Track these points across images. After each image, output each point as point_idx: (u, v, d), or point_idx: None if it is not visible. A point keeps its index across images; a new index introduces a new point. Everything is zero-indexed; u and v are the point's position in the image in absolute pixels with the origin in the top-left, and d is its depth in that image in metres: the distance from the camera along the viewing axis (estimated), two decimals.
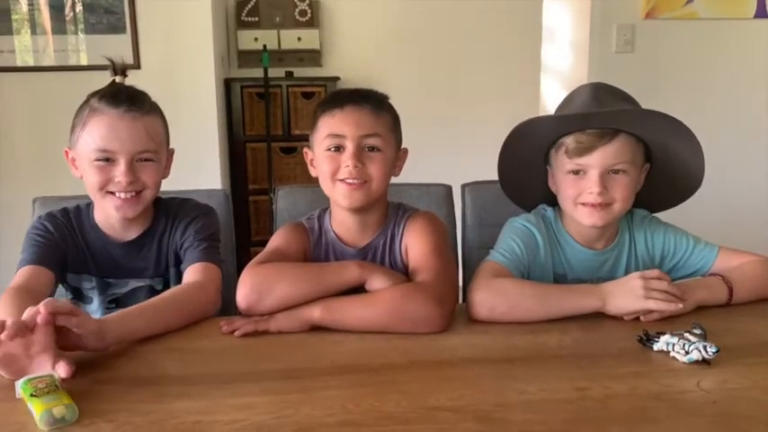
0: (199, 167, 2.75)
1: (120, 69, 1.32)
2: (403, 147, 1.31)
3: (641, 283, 1.14)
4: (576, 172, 1.26)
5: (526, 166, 1.35)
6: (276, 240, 1.29)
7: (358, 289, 1.16)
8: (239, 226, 1.77)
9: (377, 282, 1.14)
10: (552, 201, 1.36)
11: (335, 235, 1.29)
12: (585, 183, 1.24)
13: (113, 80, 1.32)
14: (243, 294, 1.14)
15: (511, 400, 0.88)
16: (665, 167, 1.30)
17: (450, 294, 1.16)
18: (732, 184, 2.83)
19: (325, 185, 1.25)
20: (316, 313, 1.11)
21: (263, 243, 1.31)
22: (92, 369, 0.97)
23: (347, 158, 1.21)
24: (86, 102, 1.27)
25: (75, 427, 0.81)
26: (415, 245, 1.25)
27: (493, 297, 1.16)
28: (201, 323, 1.16)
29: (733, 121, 2.89)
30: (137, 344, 1.07)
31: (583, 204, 1.26)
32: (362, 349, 1.05)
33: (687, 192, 1.35)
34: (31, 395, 0.84)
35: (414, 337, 1.08)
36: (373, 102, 1.24)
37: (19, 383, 0.87)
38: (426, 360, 1.01)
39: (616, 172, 1.24)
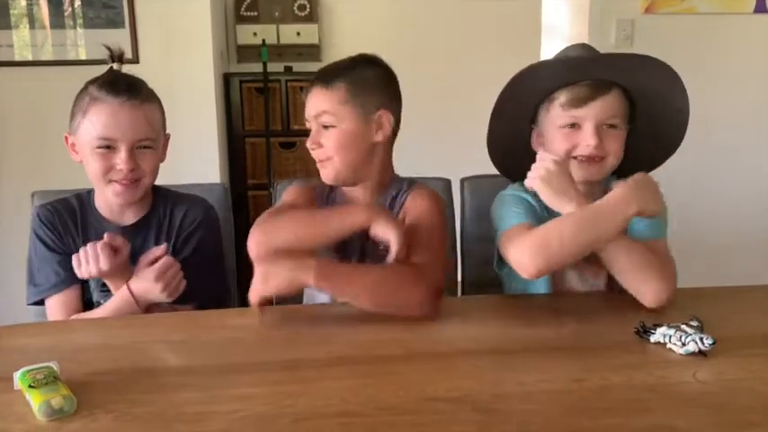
0: (198, 162, 2.74)
1: (118, 57, 1.36)
2: (380, 111, 1.27)
3: (653, 180, 1.16)
4: (571, 126, 1.25)
5: (514, 123, 1.34)
6: (286, 196, 1.34)
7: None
8: (238, 220, 1.77)
9: (380, 229, 1.14)
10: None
11: (343, 197, 1.35)
12: (580, 136, 1.25)
13: (111, 67, 1.35)
14: (253, 240, 1.15)
15: (509, 390, 0.88)
16: (649, 123, 1.30)
17: (440, 281, 1.17)
18: (731, 178, 2.84)
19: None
20: (310, 278, 1.11)
21: None
22: (90, 360, 0.97)
23: (309, 141, 1.27)
24: (85, 89, 1.30)
25: (74, 418, 0.81)
26: (414, 215, 1.25)
27: (533, 252, 1.13)
28: (201, 315, 1.16)
29: (733, 115, 2.89)
30: (136, 335, 1.08)
31: (575, 158, 1.26)
32: (360, 341, 1.05)
33: (671, 146, 1.35)
34: (30, 386, 0.85)
35: (412, 328, 1.08)
36: (326, 77, 1.27)
37: (17, 375, 0.88)
38: (424, 351, 1.02)
39: (609, 126, 1.25)
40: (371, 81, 1.29)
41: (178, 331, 1.11)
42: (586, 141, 1.24)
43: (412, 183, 1.34)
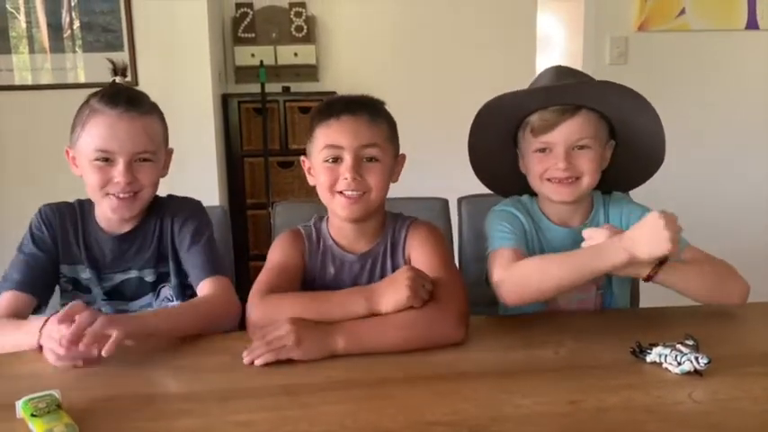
0: (197, 182, 2.75)
1: (121, 70, 1.35)
2: (401, 153, 1.32)
3: (663, 222, 1.09)
4: (542, 150, 1.30)
5: (496, 149, 1.39)
6: (276, 254, 1.29)
7: None
8: (237, 240, 1.78)
9: (387, 306, 1.12)
10: (527, 186, 1.39)
11: (334, 241, 1.30)
12: (551, 159, 1.28)
13: (113, 80, 1.35)
14: (252, 323, 1.15)
15: (507, 413, 0.89)
16: (627, 142, 1.33)
17: (466, 308, 1.18)
18: (725, 192, 2.86)
19: (324, 196, 1.26)
20: (341, 343, 1.08)
21: (261, 257, 1.33)
22: (92, 388, 0.98)
23: (345, 171, 1.21)
24: (86, 102, 1.29)
25: None
26: (421, 257, 1.25)
27: (518, 283, 1.18)
28: (202, 340, 1.17)
29: (726, 131, 2.92)
30: (136, 362, 1.08)
31: (549, 180, 1.30)
32: (359, 365, 1.06)
33: (652, 166, 1.37)
34: (32, 415, 0.85)
35: (410, 351, 1.09)
36: (370, 110, 1.24)
37: (19, 403, 0.88)
38: (423, 375, 1.02)
39: (581, 148, 1.28)
40: (395, 125, 1.30)
41: (178, 356, 1.11)
42: (556, 165, 1.28)
43: (404, 219, 1.34)
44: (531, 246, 1.34)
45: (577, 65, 3.00)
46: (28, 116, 2.79)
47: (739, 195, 2.91)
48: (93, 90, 1.33)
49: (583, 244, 1.19)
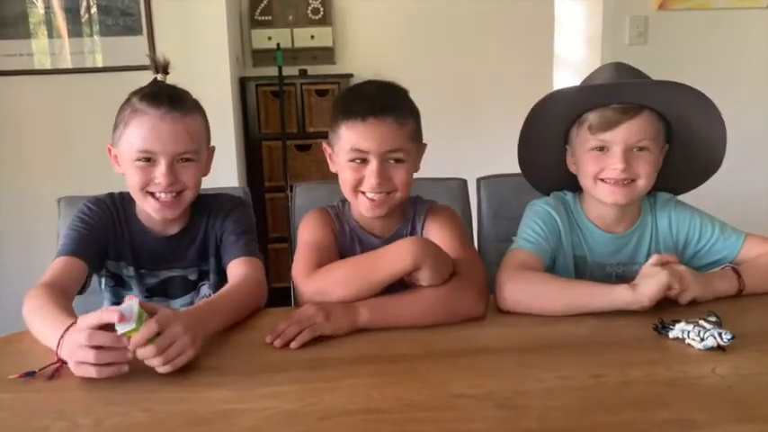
0: (216, 166, 2.74)
1: (162, 67, 1.31)
2: (423, 142, 1.32)
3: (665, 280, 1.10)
4: (600, 149, 1.26)
5: (545, 144, 1.35)
6: (309, 233, 1.29)
7: None
8: (256, 223, 1.80)
9: (425, 277, 1.14)
10: (570, 184, 1.37)
11: (359, 225, 1.32)
12: (608, 159, 1.24)
13: (155, 78, 1.32)
14: (307, 297, 1.16)
15: (530, 387, 0.90)
16: (686, 145, 1.30)
17: (486, 284, 1.20)
18: (749, 177, 2.82)
19: (348, 194, 1.27)
20: (365, 316, 1.11)
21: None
22: None
23: (371, 175, 1.21)
24: (128, 100, 1.28)
25: (111, 416, 0.84)
26: (439, 240, 1.25)
27: (518, 291, 1.17)
28: None
29: (748, 111, 2.87)
30: None
31: (603, 181, 1.26)
32: (384, 340, 1.07)
33: (709, 169, 1.34)
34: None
35: (434, 327, 1.10)
36: (397, 113, 1.22)
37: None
38: (447, 350, 1.04)
39: (639, 149, 1.24)
40: (419, 116, 1.29)
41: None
42: (614, 165, 1.24)
43: (422, 202, 1.36)
44: (565, 243, 1.32)
45: (596, 46, 2.98)
46: (48, 100, 2.82)
47: (764, 177, 2.88)
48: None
49: (638, 277, 1.15)
